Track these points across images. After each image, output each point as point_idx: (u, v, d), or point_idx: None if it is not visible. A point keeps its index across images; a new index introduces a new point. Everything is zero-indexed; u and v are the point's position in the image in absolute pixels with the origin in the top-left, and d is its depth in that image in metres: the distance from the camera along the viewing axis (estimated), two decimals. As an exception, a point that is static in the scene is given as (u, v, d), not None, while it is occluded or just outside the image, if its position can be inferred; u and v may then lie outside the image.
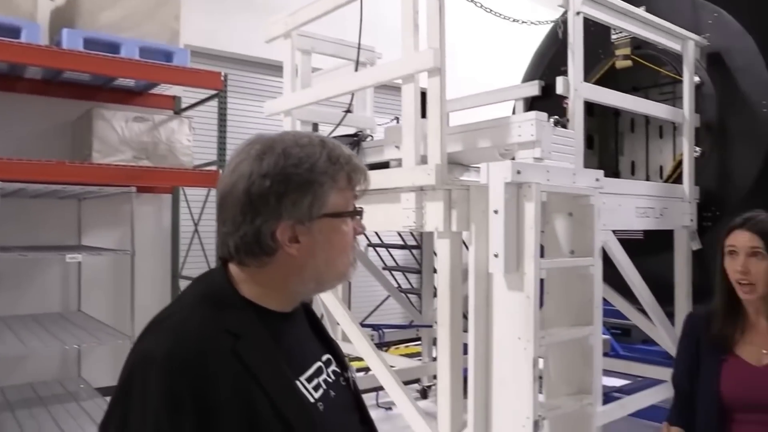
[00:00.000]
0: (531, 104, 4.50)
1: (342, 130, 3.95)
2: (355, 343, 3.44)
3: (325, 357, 1.24)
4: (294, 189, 1.07)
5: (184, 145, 4.84)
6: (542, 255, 2.63)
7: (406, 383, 5.03)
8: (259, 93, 6.30)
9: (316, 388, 1.15)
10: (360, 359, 3.59)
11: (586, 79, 3.41)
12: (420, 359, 5.40)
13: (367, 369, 3.93)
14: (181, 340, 1.01)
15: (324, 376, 1.19)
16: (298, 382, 1.11)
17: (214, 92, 4.94)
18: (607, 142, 5.04)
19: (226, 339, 1.02)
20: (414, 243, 6.69)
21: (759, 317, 1.97)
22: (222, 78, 4.79)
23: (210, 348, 1.01)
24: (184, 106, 5.43)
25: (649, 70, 4.23)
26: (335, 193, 1.12)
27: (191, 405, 0.95)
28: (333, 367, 1.25)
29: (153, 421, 0.95)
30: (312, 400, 1.11)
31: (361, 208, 1.19)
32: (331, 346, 1.29)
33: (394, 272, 6.88)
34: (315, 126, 4.55)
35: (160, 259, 5.45)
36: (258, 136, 1.14)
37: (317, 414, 1.10)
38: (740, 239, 1.96)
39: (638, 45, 4.10)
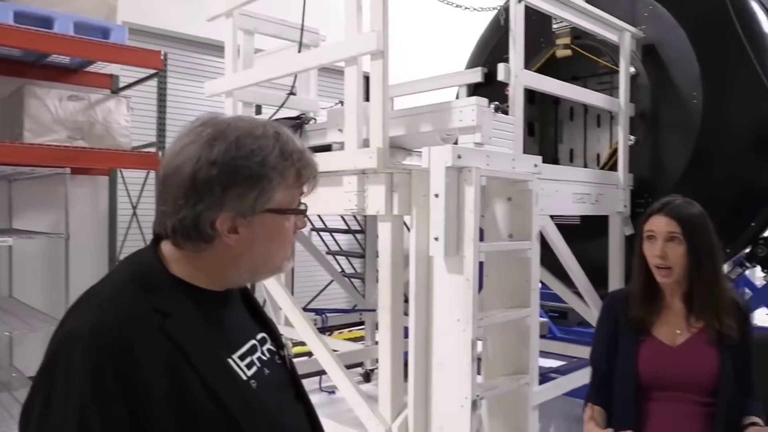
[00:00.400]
0: (474, 91, 4.53)
1: (285, 113, 3.90)
2: (298, 327, 3.43)
3: (259, 335, 1.23)
4: (242, 182, 1.05)
5: (121, 126, 4.71)
6: (482, 239, 2.68)
7: (350, 367, 5.06)
8: (201, 73, 6.16)
9: (250, 366, 1.14)
10: (303, 344, 3.58)
11: (528, 67, 3.47)
12: (363, 343, 5.43)
13: (309, 354, 3.93)
14: (107, 318, 0.98)
15: (258, 354, 1.19)
16: (230, 360, 1.10)
17: (153, 71, 4.81)
18: (547, 130, 5.14)
19: (155, 317, 1.01)
20: (358, 227, 6.70)
21: (674, 299, 2.04)
22: (162, 57, 4.67)
23: (138, 326, 0.99)
24: (122, 85, 5.27)
25: (588, 60, 4.33)
26: (282, 189, 1.09)
27: (118, 384, 0.93)
28: (268, 345, 1.24)
29: (78, 401, 0.92)
30: (244, 378, 1.11)
31: (305, 205, 1.17)
32: (266, 325, 1.28)
33: (337, 257, 6.88)
34: (258, 108, 4.48)
35: (97, 244, 5.29)
36: (210, 118, 1.10)
37: (250, 392, 1.09)
38: (658, 224, 2.00)
39: (578, 35, 4.19)
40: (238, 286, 1.24)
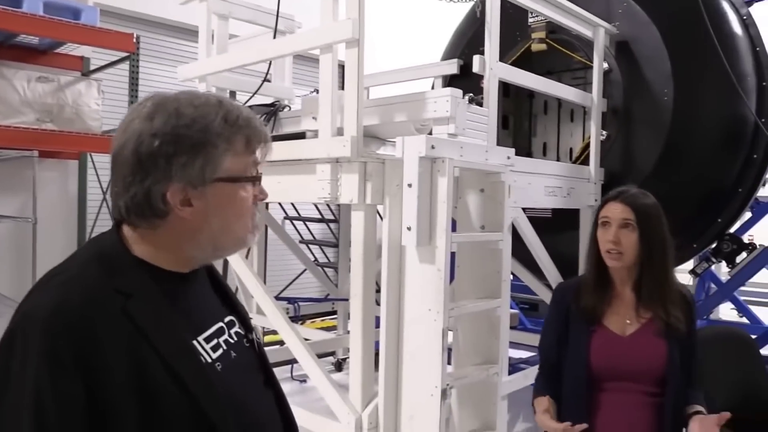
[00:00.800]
0: (450, 82, 4.55)
1: (259, 99, 3.87)
2: (270, 316, 3.42)
3: (227, 318, 1.22)
4: (185, 150, 1.03)
5: (92, 109, 4.63)
6: (454, 229, 2.70)
7: (322, 356, 5.07)
8: (174, 57, 6.07)
9: (215, 348, 1.13)
10: (274, 332, 3.57)
11: (503, 60, 3.48)
12: (335, 332, 5.43)
13: (281, 342, 3.92)
14: (67, 299, 0.96)
15: (225, 336, 1.17)
16: (195, 342, 1.09)
17: (125, 54, 4.73)
18: (521, 123, 5.18)
19: (117, 298, 0.99)
20: (331, 216, 6.69)
21: (624, 288, 2.07)
22: (134, 40, 4.59)
23: (100, 307, 0.97)
24: (93, 67, 5.16)
25: (563, 55, 4.37)
26: (231, 157, 1.08)
27: (75, 366, 0.92)
28: (236, 328, 1.23)
29: (33, 384, 0.90)
30: (209, 360, 1.09)
31: (260, 173, 1.15)
32: (234, 308, 1.27)
33: (311, 246, 6.86)
34: (232, 94, 4.44)
35: (66, 229, 5.19)
36: (153, 95, 1.09)
37: (215, 374, 1.08)
38: (613, 211, 2.03)
39: (553, 30, 4.22)
40: (205, 264, 1.22)
